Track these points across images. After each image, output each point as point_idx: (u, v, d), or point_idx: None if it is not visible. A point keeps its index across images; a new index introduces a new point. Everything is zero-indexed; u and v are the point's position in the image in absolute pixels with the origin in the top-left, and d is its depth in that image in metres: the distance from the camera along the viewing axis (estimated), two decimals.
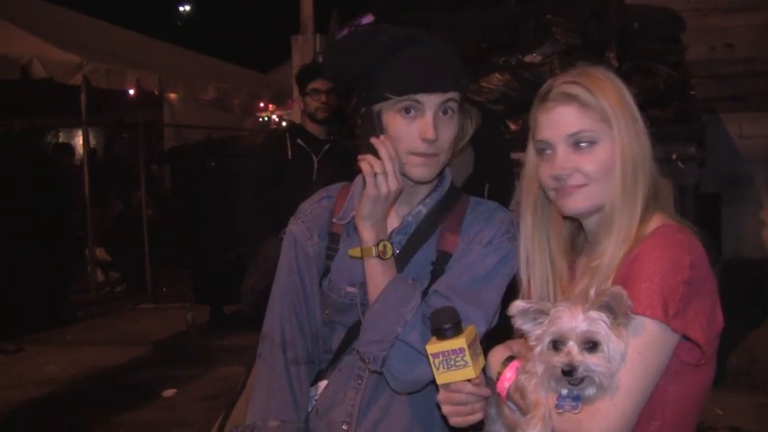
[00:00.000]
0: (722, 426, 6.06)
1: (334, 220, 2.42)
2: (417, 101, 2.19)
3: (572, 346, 1.74)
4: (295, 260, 2.43)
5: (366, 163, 2.18)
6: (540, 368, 1.80)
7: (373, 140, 2.20)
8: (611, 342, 1.74)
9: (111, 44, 12.71)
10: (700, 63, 8.97)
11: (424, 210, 2.36)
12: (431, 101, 2.19)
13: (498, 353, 2.02)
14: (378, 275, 2.22)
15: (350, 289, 2.35)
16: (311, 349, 2.42)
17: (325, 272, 2.41)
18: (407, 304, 2.17)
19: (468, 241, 2.31)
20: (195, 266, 9.54)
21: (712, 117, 8.61)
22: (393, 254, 2.25)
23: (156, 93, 13.13)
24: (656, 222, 1.92)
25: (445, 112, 2.23)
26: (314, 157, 5.51)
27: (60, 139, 18.70)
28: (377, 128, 2.24)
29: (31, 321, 9.65)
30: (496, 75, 6.88)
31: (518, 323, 1.84)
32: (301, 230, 2.45)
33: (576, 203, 2.01)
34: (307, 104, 5.61)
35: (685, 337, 1.80)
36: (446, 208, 2.36)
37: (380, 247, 2.20)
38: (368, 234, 2.22)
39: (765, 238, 9.28)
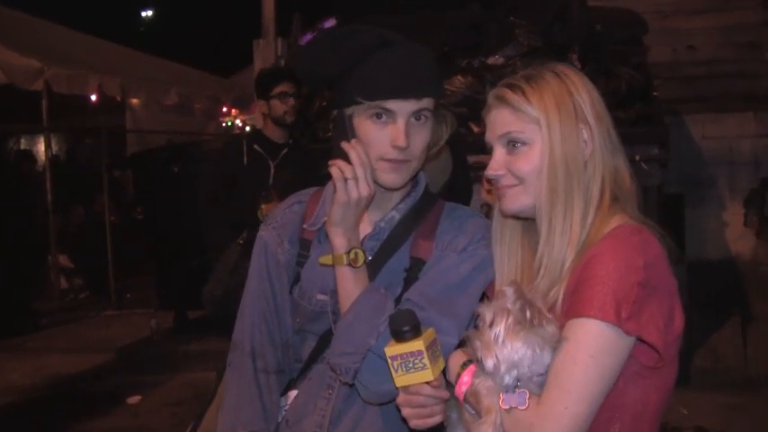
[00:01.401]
0: (687, 425, 6.08)
1: (305, 226, 2.35)
2: (388, 108, 2.12)
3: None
4: (265, 267, 2.37)
5: (336, 168, 2.12)
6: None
7: (344, 145, 2.14)
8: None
9: (72, 49, 12.58)
10: (662, 65, 9.06)
11: (397, 215, 2.30)
12: (403, 108, 2.12)
13: (457, 356, 1.99)
14: (349, 284, 2.16)
15: (321, 297, 2.29)
16: (282, 358, 2.37)
17: (296, 279, 2.35)
18: (380, 315, 2.11)
19: (443, 248, 2.26)
20: (159, 271, 9.47)
21: (675, 118, 8.70)
22: (365, 261, 2.19)
23: (119, 98, 12.98)
24: (614, 223, 1.90)
25: (418, 119, 2.16)
26: (270, 162, 5.46)
27: (22, 146, 18.52)
28: (348, 132, 2.17)
29: None
30: (459, 77, 6.92)
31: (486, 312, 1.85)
32: (272, 237, 2.39)
33: (507, 204, 2.01)
34: (272, 108, 5.55)
35: (641, 340, 1.78)
36: (420, 213, 2.31)
37: (352, 255, 2.14)
38: (339, 241, 2.16)
39: (728, 238, 9.39)
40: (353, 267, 2.15)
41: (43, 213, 11.54)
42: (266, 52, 9.22)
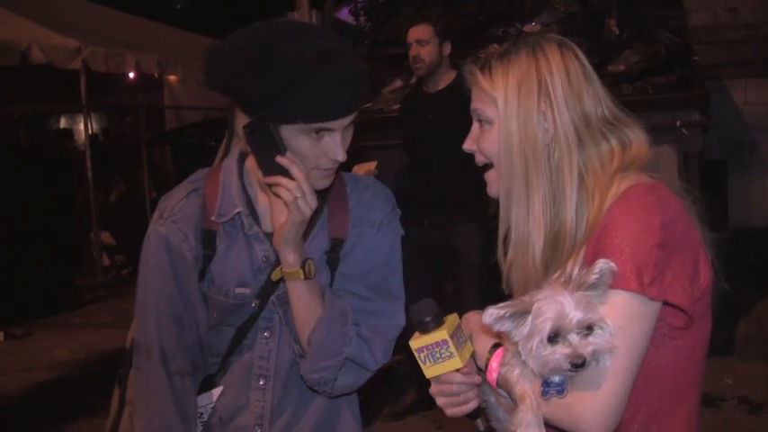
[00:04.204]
0: (731, 395, 6.03)
1: (212, 218, 2.19)
2: (329, 128, 2.03)
3: (572, 338, 1.67)
4: (169, 265, 2.19)
5: (284, 189, 2.00)
6: (535, 363, 1.72)
7: (281, 160, 2.00)
8: (606, 317, 1.69)
9: (109, 28, 12.63)
10: (702, 29, 8.90)
11: None
12: (342, 123, 2.04)
13: (483, 341, 1.92)
14: (306, 296, 2.09)
15: (240, 290, 2.20)
16: (194, 358, 2.25)
17: (202, 273, 2.21)
18: (347, 321, 2.11)
19: (360, 225, 2.24)
20: None
21: (716, 84, 8.54)
22: (315, 269, 2.11)
23: (156, 75, 13.06)
24: (624, 185, 1.83)
25: (348, 125, 2.08)
26: None
27: (62, 125, 18.68)
28: (279, 146, 2.01)
29: (39, 306, 9.72)
30: (494, 46, 6.82)
31: (496, 327, 1.76)
32: (173, 232, 2.20)
33: (490, 189, 2.00)
34: None
35: (666, 303, 1.73)
36: (325, 188, 2.19)
37: (307, 269, 2.07)
38: (292, 257, 2.06)
39: None
40: (308, 279, 2.08)
41: (84, 191, 11.63)
42: None
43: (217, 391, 2.28)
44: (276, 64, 1.94)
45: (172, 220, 2.22)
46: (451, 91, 5.59)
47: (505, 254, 1.99)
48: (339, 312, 2.12)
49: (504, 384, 1.83)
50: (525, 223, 1.89)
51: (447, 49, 5.68)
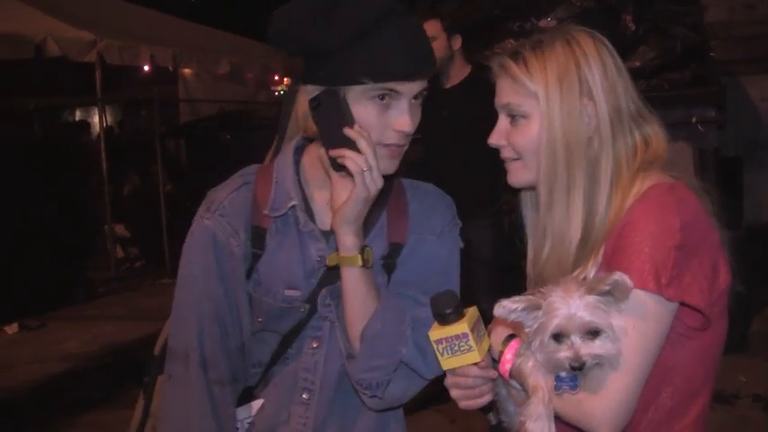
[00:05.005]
0: (745, 393, 6.00)
1: (265, 212, 2.05)
2: (395, 90, 1.90)
3: (575, 340, 1.67)
4: (215, 263, 2.03)
5: (352, 161, 1.88)
6: (541, 358, 1.73)
7: (349, 132, 1.89)
8: (613, 322, 1.67)
9: (124, 21, 12.69)
10: (719, 24, 8.84)
11: None
12: (410, 89, 1.92)
13: (498, 333, 1.91)
14: (362, 287, 1.97)
15: (289, 292, 2.05)
16: (236, 366, 2.09)
17: (248, 273, 2.08)
18: (404, 320, 2.00)
19: (419, 231, 2.13)
20: None
21: (732, 80, 8.49)
22: (373, 259, 2.00)
23: (171, 68, 13.09)
24: (648, 184, 1.82)
25: (416, 98, 1.96)
26: None
27: (77, 117, 18.75)
28: (347, 115, 1.91)
29: (52, 298, 9.75)
30: (510, 41, 6.79)
31: (510, 318, 1.75)
32: (222, 227, 2.05)
33: (512, 179, 1.98)
34: None
35: (683, 304, 1.72)
36: (383, 192, 2.00)
37: (366, 255, 1.95)
38: (352, 240, 1.94)
39: None
40: (366, 268, 1.97)
41: (99, 184, 11.68)
42: None
43: (257, 404, 2.14)
44: (344, 13, 1.85)
45: (220, 213, 2.06)
46: (467, 86, 5.58)
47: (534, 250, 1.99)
48: (395, 309, 2.01)
49: (517, 375, 1.82)
50: (565, 219, 1.87)
51: (457, 43, 5.65)
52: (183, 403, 2.04)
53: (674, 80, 6.57)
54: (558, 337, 1.68)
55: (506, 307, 1.72)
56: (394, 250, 2.11)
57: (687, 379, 1.82)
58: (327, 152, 1.95)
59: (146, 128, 15.95)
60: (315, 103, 1.94)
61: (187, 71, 14.27)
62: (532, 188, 1.98)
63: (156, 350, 2.32)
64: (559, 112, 1.84)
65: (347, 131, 1.90)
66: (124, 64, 11.64)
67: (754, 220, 8.39)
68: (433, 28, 5.59)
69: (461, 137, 5.14)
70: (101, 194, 11.69)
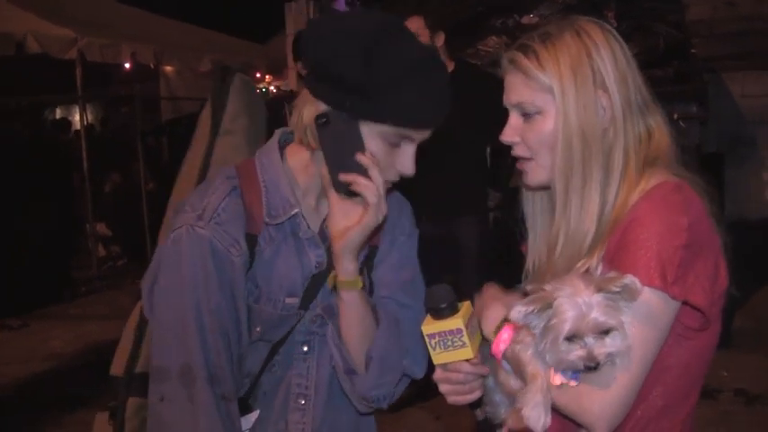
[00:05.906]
0: (727, 387, 6.05)
1: (265, 219, 1.99)
2: (411, 137, 1.91)
3: (588, 341, 1.65)
4: (215, 274, 1.91)
5: (369, 190, 1.87)
6: (551, 359, 1.70)
7: (362, 159, 1.87)
8: (623, 319, 1.66)
9: (105, 18, 12.60)
10: (701, 22, 8.88)
11: None
12: (423, 136, 1.93)
13: (494, 311, 1.87)
14: (361, 307, 1.98)
15: (289, 300, 2.02)
16: (236, 379, 2.02)
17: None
18: (401, 332, 2.04)
19: (392, 232, 2.15)
20: None
21: (714, 76, 8.53)
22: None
23: (152, 66, 13.06)
24: (654, 182, 1.80)
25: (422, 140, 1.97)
26: None
27: (57, 116, 18.63)
28: (357, 143, 1.88)
29: (35, 297, 9.70)
30: (493, 37, 6.82)
31: (522, 321, 1.72)
32: (219, 235, 1.92)
33: (529, 179, 1.94)
34: None
35: (686, 303, 1.72)
36: None
37: (364, 278, 1.99)
38: (353, 266, 1.95)
39: None
40: (363, 289, 2.00)
41: (80, 182, 11.61)
42: (298, 15, 9.14)
43: (254, 416, 2.09)
44: (388, 56, 1.81)
45: (216, 222, 1.93)
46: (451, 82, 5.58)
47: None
48: (394, 323, 2.04)
49: (513, 360, 1.80)
50: (580, 214, 1.84)
51: (440, 40, 5.63)
52: (190, 424, 1.91)
53: (656, 77, 6.59)
54: (571, 338, 1.66)
55: (521, 312, 1.69)
56: (372, 252, 2.13)
57: (679, 379, 1.82)
58: (332, 173, 1.91)
59: (127, 125, 15.87)
60: (322, 120, 1.87)
61: (169, 69, 14.23)
62: (545, 188, 1.95)
63: (117, 371, 2.27)
64: (575, 105, 1.80)
65: (360, 158, 1.87)
66: (105, 61, 11.59)
67: (735, 216, 8.42)
68: (414, 24, 5.57)
69: (446, 134, 5.16)
70: (82, 192, 11.62)
